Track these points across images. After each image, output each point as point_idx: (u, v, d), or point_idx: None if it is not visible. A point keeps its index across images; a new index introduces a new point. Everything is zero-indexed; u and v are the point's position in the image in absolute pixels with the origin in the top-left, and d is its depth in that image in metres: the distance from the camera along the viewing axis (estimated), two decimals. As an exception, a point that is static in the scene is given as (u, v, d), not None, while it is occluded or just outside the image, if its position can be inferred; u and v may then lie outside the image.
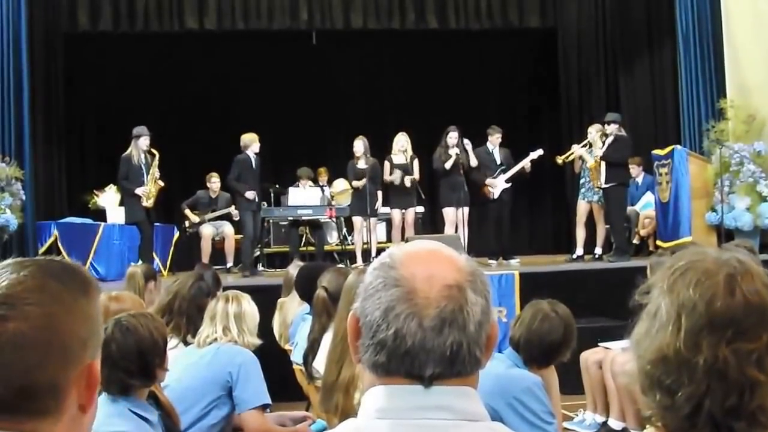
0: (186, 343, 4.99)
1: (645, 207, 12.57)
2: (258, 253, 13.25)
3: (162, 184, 11.33)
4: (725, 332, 1.44)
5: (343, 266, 8.79)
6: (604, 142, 11.51)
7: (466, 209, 11.77)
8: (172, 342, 5.01)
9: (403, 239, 11.57)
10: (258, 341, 4.84)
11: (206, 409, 4.47)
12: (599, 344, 7.25)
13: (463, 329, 1.44)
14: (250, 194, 11.42)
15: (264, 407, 4.60)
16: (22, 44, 11.71)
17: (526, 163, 12.12)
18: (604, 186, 11.39)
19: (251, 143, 11.71)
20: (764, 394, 1.43)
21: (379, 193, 12.26)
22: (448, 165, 11.62)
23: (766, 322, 1.46)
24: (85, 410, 1.38)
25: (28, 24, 11.98)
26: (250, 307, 4.82)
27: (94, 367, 1.37)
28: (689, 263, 1.53)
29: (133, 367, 3.33)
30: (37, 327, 1.30)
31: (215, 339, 4.65)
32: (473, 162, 11.86)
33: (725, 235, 11.03)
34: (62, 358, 1.32)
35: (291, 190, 13.56)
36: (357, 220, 12.14)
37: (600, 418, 7.13)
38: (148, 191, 11.03)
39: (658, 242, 11.90)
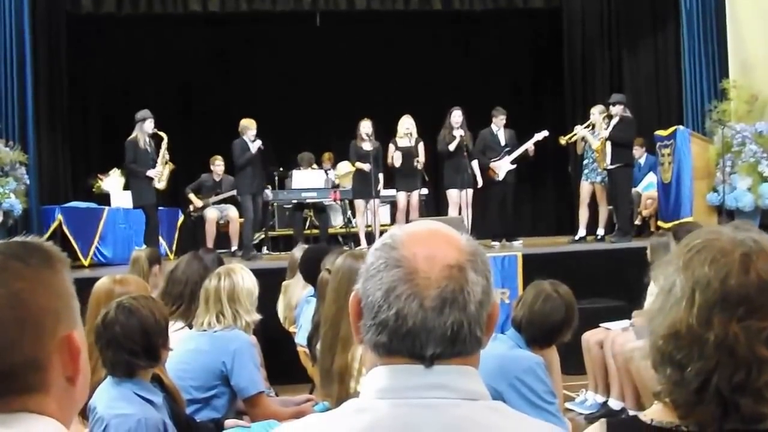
0: (191, 327, 4.99)
1: (647, 188, 12.59)
2: (262, 236, 13.27)
3: (173, 165, 11.35)
4: (737, 309, 1.46)
5: (348, 248, 8.80)
6: (608, 124, 11.51)
7: (470, 191, 11.73)
8: (177, 324, 5.03)
9: (408, 222, 11.51)
10: (257, 317, 4.79)
11: (206, 398, 4.48)
12: (600, 325, 7.29)
13: (464, 309, 1.44)
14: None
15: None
16: (25, 27, 11.67)
17: (530, 144, 12.09)
18: (609, 167, 11.39)
19: (246, 129, 11.63)
20: None
21: (381, 176, 12.19)
22: (452, 147, 11.57)
23: None
24: (74, 381, 1.38)
25: (31, 6, 11.93)
26: (243, 281, 4.71)
27: (73, 336, 1.38)
28: (705, 241, 1.55)
29: (138, 347, 3.35)
30: (6, 307, 1.31)
31: (209, 324, 4.62)
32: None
33: (726, 215, 11.04)
34: (36, 333, 1.33)
35: (295, 173, 13.56)
36: (359, 203, 12.11)
37: (601, 398, 7.17)
38: (160, 173, 11.05)
39: (660, 222, 11.93)
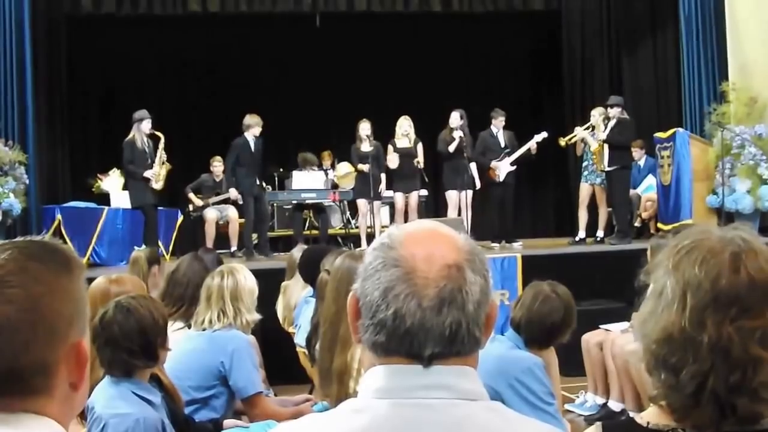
0: (191, 327, 4.99)
1: (647, 190, 12.58)
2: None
3: (170, 166, 11.33)
4: (729, 310, 1.45)
5: (347, 249, 8.79)
6: (606, 125, 11.51)
7: (469, 192, 11.72)
8: (177, 324, 5.03)
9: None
10: (257, 316, 4.81)
11: (204, 398, 4.47)
12: (600, 326, 7.29)
13: (462, 309, 1.43)
14: (149, 173, 11.11)
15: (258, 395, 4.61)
16: (25, 27, 11.67)
17: (531, 145, 12.06)
18: (607, 169, 11.40)
19: (252, 125, 11.57)
20: (767, 371, 1.45)
21: (383, 176, 12.19)
22: (451, 148, 11.57)
23: None
24: (77, 388, 1.38)
25: (31, 7, 11.91)
26: (245, 280, 4.74)
27: (82, 344, 1.37)
28: (694, 242, 1.54)
29: (136, 347, 3.34)
30: (22, 309, 1.30)
31: (210, 322, 4.61)
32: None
33: (726, 217, 11.04)
34: (48, 337, 1.33)
35: (295, 173, 13.56)
36: (361, 204, 12.09)
37: (600, 400, 7.17)
38: (157, 174, 11.04)
39: (659, 225, 11.92)
